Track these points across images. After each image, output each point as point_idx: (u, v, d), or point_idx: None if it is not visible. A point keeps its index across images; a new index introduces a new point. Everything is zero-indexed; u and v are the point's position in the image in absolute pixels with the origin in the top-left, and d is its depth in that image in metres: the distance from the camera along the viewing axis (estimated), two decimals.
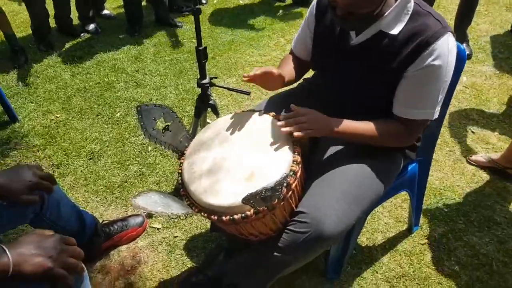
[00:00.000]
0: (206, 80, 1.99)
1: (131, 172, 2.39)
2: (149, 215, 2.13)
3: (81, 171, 2.42)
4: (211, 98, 2.06)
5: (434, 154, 2.34)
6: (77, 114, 2.86)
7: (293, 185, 1.26)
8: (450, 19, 3.70)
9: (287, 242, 1.33)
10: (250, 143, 1.38)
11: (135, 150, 2.54)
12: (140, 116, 1.44)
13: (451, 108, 2.80)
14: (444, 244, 1.94)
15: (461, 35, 3.41)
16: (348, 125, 1.36)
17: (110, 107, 2.91)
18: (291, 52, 1.68)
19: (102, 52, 3.54)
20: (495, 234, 1.98)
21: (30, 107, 2.94)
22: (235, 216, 1.23)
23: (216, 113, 2.12)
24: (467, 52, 3.35)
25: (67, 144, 2.61)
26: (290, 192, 1.26)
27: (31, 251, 1.03)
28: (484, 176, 2.31)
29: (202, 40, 1.88)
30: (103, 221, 2.03)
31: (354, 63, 1.39)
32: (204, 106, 2.08)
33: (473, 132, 2.63)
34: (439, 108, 1.36)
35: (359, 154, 1.45)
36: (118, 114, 2.83)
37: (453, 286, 1.78)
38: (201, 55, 1.90)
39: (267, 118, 1.44)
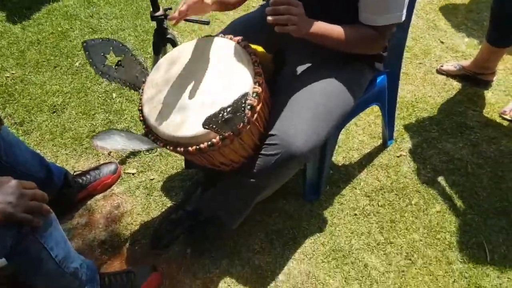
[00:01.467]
0: (160, 12, 1.89)
1: (98, 121, 2.33)
2: (122, 161, 2.10)
3: (46, 125, 2.34)
4: (168, 32, 1.97)
5: (404, 67, 2.35)
6: (34, 68, 2.74)
7: (258, 107, 1.24)
8: None
9: (259, 166, 1.33)
10: (210, 70, 1.34)
11: (100, 98, 2.46)
12: (87, 52, 1.36)
13: (419, 21, 2.77)
14: (419, 154, 1.98)
15: None
16: (322, 26, 1.30)
17: (68, 57, 2.79)
18: None
19: (51, 1, 3.34)
20: (468, 138, 2.03)
21: None
22: (201, 146, 1.22)
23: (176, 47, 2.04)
24: None
25: (27, 100, 2.51)
26: (256, 115, 1.24)
27: None
28: (455, 85, 2.32)
29: None
30: (74, 172, 2.00)
31: None
32: (162, 41, 1.98)
33: (442, 42, 2.61)
34: (405, 11, 1.33)
35: (325, 70, 1.42)
36: (77, 64, 2.72)
37: (431, 192, 1.83)
38: None
39: (226, 42, 1.39)
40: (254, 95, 1.23)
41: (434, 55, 2.52)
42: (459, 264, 1.61)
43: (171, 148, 1.28)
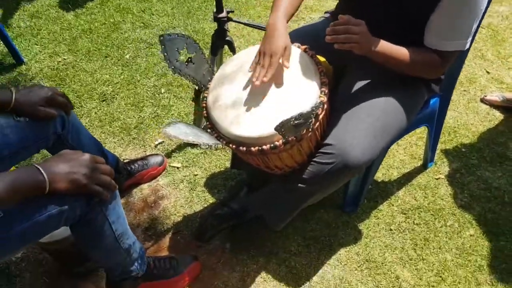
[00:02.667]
0: (223, 14, 1.99)
1: (146, 114, 2.52)
2: (168, 155, 2.28)
3: (95, 113, 2.54)
4: (228, 34, 2.08)
5: None
6: (85, 56, 2.95)
7: (321, 116, 1.34)
8: None
9: (312, 173, 1.45)
10: (277, 75, 1.40)
11: (148, 92, 2.66)
12: (163, 46, 1.44)
13: None
14: (458, 179, 2.13)
15: None
16: (386, 46, 1.38)
17: (119, 48, 3.00)
18: None
19: None
20: (507, 169, 2.16)
21: (36, 49, 3.02)
22: (264, 147, 1.31)
23: (233, 50, 2.15)
24: None
25: (78, 86, 2.71)
26: (317, 124, 1.34)
27: (65, 169, 1.14)
28: (498, 115, 2.46)
29: None
30: (123, 159, 2.18)
31: None
32: (221, 43, 2.10)
33: (488, 72, 2.75)
34: (471, 39, 1.40)
35: (385, 86, 1.52)
36: (128, 56, 2.93)
37: (466, 216, 1.97)
38: None
39: (294, 50, 1.46)
40: (319, 103, 1.32)
41: (479, 84, 2.66)
42: (488, 286, 1.75)
43: (234, 146, 1.38)
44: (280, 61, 1.39)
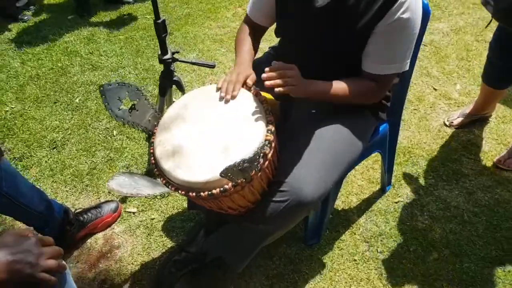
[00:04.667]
0: (168, 56, 1.94)
1: (98, 158, 2.36)
2: (123, 200, 2.12)
3: (46, 161, 2.36)
4: (175, 74, 2.03)
5: None
6: (33, 103, 2.77)
7: (269, 155, 1.27)
8: None
9: (268, 212, 1.35)
10: (221, 116, 1.36)
11: (100, 135, 2.50)
12: (103, 96, 1.39)
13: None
14: (417, 200, 2.05)
15: None
16: (323, 86, 1.37)
17: (68, 93, 2.83)
18: (247, 20, 1.63)
19: (51, 36, 3.40)
20: (463, 186, 2.10)
21: None
22: (214, 191, 1.23)
23: (182, 90, 2.09)
24: None
25: (27, 135, 2.53)
26: (267, 162, 1.26)
27: (7, 257, 1.00)
28: (449, 131, 2.41)
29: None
30: (75, 210, 2.01)
31: (320, 25, 1.39)
32: (169, 83, 2.04)
33: (435, 89, 2.73)
34: (409, 61, 1.39)
35: (332, 117, 1.47)
36: (77, 100, 2.76)
37: (428, 239, 1.89)
38: (161, 29, 1.85)
39: (244, 91, 1.41)
40: (266, 143, 1.25)
41: (427, 101, 2.62)
42: None
43: (183, 192, 1.29)
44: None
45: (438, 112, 2.56)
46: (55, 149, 2.43)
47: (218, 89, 1.41)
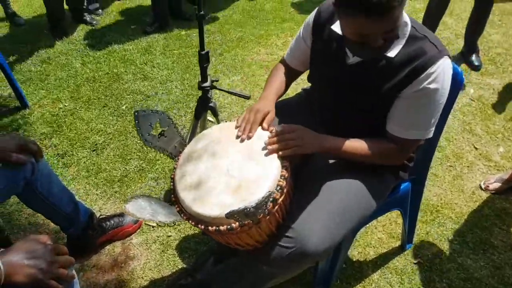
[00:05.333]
0: (207, 84, 1.97)
1: (131, 167, 2.36)
2: None
3: (84, 162, 2.40)
4: (211, 100, 2.04)
5: (433, 168, 2.30)
6: (85, 104, 2.84)
7: (280, 200, 1.23)
8: (462, 27, 3.59)
9: (273, 255, 1.31)
10: (241, 154, 1.35)
11: (137, 144, 2.50)
12: (137, 121, 1.44)
13: (455, 121, 2.73)
14: (437, 265, 1.89)
15: (471, 45, 3.29)
16: (339, 142, 1.34)
17: (117, 98, 2.87)
18: (284, 63, 1.63)
19: (113, 42, 3.49)
20: (490, 258, 1.92)
21: (41, 94, 2.93)
22: (221, 228, 1.21)
23: (215, 115, 2.11)
24: (476, 63, 3.25)
25: (73, 134, 2.59)
26: (277, 207, 1.23)
27: (23, 261, 1.07)
28: (484, 196, 2.24)
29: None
30: (100, 215, 2.02)
31: (350, 81, 1.37)
32: (204, 108, 2.06)
33: (476, 148, 2.55)
34: (433, 129, 1.34)
35: (350, 170, 1.42)
36: (124, 107, 2.79)
37: None
38: (203, 59, 1.89)
39: (262, 130, 1.41)
40: (277, 188, 1.23)
41: (465, 160, 2.45)
42: None
43: (193, 223, 1.28)
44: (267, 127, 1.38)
45: (475, 173, 2.38)
46: (94, 152, 2.46)
47: (237, 127, 1.40)
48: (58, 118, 2.71)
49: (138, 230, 2.03)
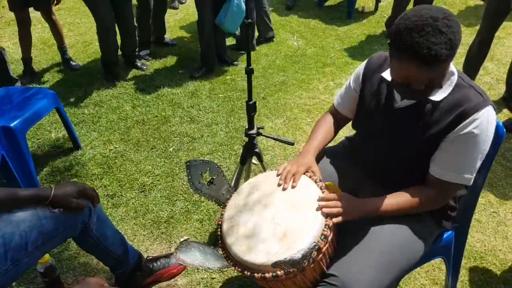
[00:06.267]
0: (254, 131, 2.05)
1: (177, 208, 2.43)
2: None
3: (133, 203, 2.48)
4: (257, 146, 2.11)
5: (477, 213, 2.24)
6: (134, 146, 2.96)
7: (324, 248, 1.26)
8: (503, 72, 3.54)
9: None
10: (287, 202, 1.38)
11: (183, 186, 2.59)
12: (188, 171, 1.52)
13: (498, 167, 2.67)
14: None
15: None
16: (377, 203, 1.37)
17: (165, 141, 2.99)
18: (333, 111, 1.68)
19: (162, 86, 3.65)
20: None
21: (93, 135, 3.07)
22: (266, 275, 1.24)
23: (260, 160, 2.16)
24: None
25: (122, 175, 2.69)
26: (321, 255, 1.26)
27: None
28: None
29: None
30: (147, 256, 2.07)
31: (396, 125, 1.40)
32: (250, 154, 2.13)
33: None
34: (473, 177, 1.34)
35: (394, 219, 1.42)
36: (171, 149, 2.90)
37: None
38: (251, 109, 1.97)
39: (305, 178, 1.45)
40: (322, 237, 1.25)
41: (509, 206, 2.38)
42: None
43: (239, 269, 1.32)
44: (308, 176, 1.44)
45: None
46: (142, 193, 2.55)
47: (279, 175, 1.46)
48: (108, 160, 2.83)
49: (183, 272, 2.07)
